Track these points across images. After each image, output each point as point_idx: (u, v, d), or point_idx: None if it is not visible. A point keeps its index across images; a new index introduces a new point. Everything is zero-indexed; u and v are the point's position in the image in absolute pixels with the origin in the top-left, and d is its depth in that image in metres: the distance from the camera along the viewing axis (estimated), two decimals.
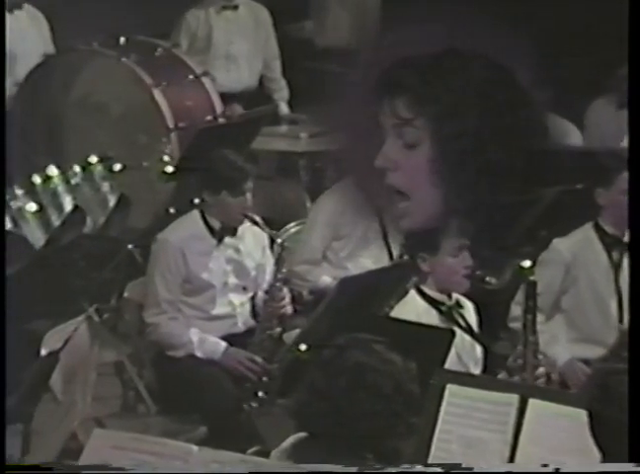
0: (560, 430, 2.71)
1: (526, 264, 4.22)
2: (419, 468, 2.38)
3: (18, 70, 6.33)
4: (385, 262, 4.91)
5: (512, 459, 2.74)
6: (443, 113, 4.18)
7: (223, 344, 4.66)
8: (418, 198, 4.47)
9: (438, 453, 2.80)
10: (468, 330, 4.23)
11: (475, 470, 2.22)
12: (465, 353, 4.18)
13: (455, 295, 4.29)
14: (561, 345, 4.56)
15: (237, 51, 6.86)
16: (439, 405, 2.87)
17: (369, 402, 2.73)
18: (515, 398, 2.78)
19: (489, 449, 2.72)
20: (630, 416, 2.12)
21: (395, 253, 4.91)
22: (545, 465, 2.20)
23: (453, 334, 3.86)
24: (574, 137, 6.43)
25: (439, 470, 2.43)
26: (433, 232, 4.19)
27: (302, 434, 2.82)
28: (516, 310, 4.47)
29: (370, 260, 4.93)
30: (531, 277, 4.14)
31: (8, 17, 6.30)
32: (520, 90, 4.32)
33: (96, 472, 2.67)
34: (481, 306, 4.35)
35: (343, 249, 4.98)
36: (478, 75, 4.17)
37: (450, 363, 3.83)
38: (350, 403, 2.74)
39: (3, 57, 5.68)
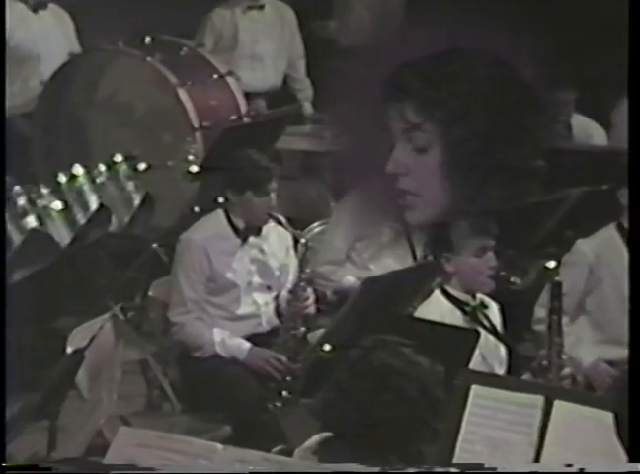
0: (586, 432, 2.70)
1: (551, 264, 4.21)
2: (440, 469, 2.38)
3: (43, 70, 6.36)
4: (409, 262, 4.90)
5: (537, 461, 2.73)
6: (451, 116, 4.13)
7: (247, 344, 4.67)
8: (427, 198, 4.43)
9: (462, 454, 2.79)
10: (492, 330, 4.22)
11: (499, 470, 2.22)
12: (490, 353, 4.17)
13: (480, 296, 4.29)
14: (586, 346, 4.55)
15: (262, 51, 6.88)
16: (463, 406, 2.87)
17: (394, 405, 2.73)
18: (540, 399, 2.78)
19: (514, 451, 2.71)
20: (630, 416, 2.11)
21: (419, 253, 4.90)
22: (569, 465, 2.20)
23: (478, 334, 3.85)
24: (599, 137, 6.41)
25: (457, 470, 2.44)
26: (457, 232, 4.19)
27: (326, 434, 2.82)
28: (540, 312, 4.45)
29: (394, 260, 4.92)
30: (556, 278, 4.13)
31: (33, 16, 6.34)
32: (526, 88, 4.25)
33: (95, 472, 2.69)
34: (505, 307, 4.35)
35: (366, 249, 4.98)
36: (483, 75, 4.10)
37: (475, 364, 3.83)
38: (374, 405, 2.73)
39: (3, 57, 5.70)
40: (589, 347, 4.55)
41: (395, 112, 4.14)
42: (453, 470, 2.41)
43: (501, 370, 4.18)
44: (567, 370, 3.93)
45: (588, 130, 6.31)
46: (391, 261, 4.93)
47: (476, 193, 4.20)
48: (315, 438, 2.85)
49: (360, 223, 4.96)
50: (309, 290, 4.71)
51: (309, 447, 2.85)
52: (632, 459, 2.15)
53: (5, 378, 3.27)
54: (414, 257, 4.92)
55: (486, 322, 4.23)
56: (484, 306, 4.28)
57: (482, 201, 4.22)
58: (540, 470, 2.54)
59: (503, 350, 4.26)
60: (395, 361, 2.76)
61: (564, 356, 3.94)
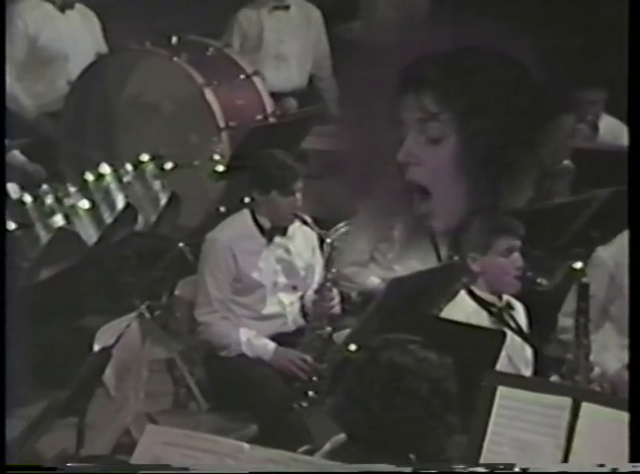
0: (613, 434, 2.68)
1: (578, 265, 4.19)
2: (470, 469, 2.38)
3: (70, 69, 6.39)
4: (433, 262, 4.89)
5: (565, 463, 2.72)
6: (471, 107, 4.10)
7: (273, 344, 4.68)
8: (440, 196, 4.37)
9: (489, 456, 2.78)
10: (519, 331, 4.21)
11: (531, 470, 2.21)
12: (516, 354, 4.17)
13: (506, 296, 4.28)
14: (612, 353, 4.51)
15: (288, 51, 6.89)
16: (490, 407, 2.86)
17: (407, 405, 2.72)
18: (567, 401, 2.76)
19: (542, 453, 2.70)
20: (630, 416, 2.08)
21: (443, 253, 4.90)
22: (602, 465, 2.18)
23: (505, 335, 3.85)
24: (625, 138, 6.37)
25: (485, 470, 2.43)
26: (483, 232, 4.18)
27: (342, 437, 2.82)
28: (563, 321, 4.42)
29: (418, 261, 4.92)
30: (583, 279, 4.12)
31: (60, 16, 6.37)
32: (537, 88, 4.23)
33: (94, 472, 2.68)
34: (531, 308, 4.33)
35: (390, 250, 4.97)
36: (499, 73, 4.09)
37: (501, 365, 3.83)
38: (386, 407, 2.72)
39: (3, 57, 5.73)
40: (614, 353, 4.51)
41: (411, 101, 4.12)
42: (481, 470, 2.41)
43: (527, 372, 4.17)
44: (597, 370, 3.90)
45: (617, 131, 6.28)
46: (415, 261, 4.92)
47: (489, 187, 4.19)
48: (330, 442, 2.85)
49: (384, 224, 4.96)
50: (335, 290, 4.72)
51: (326, 451, 2.84)
52: (632, 459, 2.13)
53: (5, 378, 3.27)
54: (438, 257, 4.92)
55: (512, 323, 4.22)
56: (510, 307, 4.27)
57: (495, 196, 4.21)
58: (572, 470, 2.53)
59: (529, 351, 4.24)
60: (403, 360, 2.74)
61: (592, 358, 3.92)
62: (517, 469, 2.53)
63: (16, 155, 5.74)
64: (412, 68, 4.15)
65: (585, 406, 2.76)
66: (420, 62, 4.13)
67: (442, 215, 4.27)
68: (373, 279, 4.91)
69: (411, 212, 4.30)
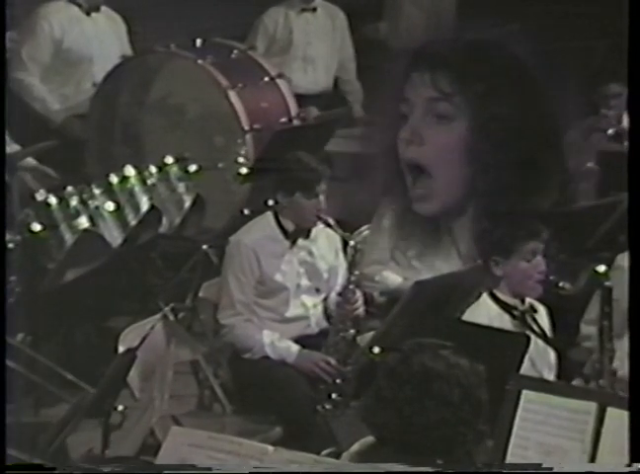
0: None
1: (601, 269, 4.17)
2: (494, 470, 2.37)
3: (95, 72, 6.41)
4: (454, 260, 4.88)
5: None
6: (489, 91, 3.99)
7: (296, 347, 4.67)
8: (442, 178, 4.27)
9: (513, 459, 2.78)
10: (542, 335, 4.19)
11: (555, 470, 2.19)
12: (539, 358, 4.15)
13: (529, 299, 4.26)
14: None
15: (315, 53, 6.90)
16: (514, 411, 2.86)
17: (437, 410, 2.71)
18: (593, 406, 2.76)
19: (568, 457, 2.69)
20: (630, 416, 2.07)
21: (462, 250, 4.87)
22: (629, 465, 2.17)
23: (529, 339, 3.84)
24: None
25: (511, 471, 2.42)
26: (507, 235, 4.17)
27: (370, 439, 2.82)
28: (585, 330, 4.39)
29: (439, 258, 4.91)
30: (606, 283, 4.10)
31: (86, 19, 6.40)
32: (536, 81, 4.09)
33: (94, 472, 2.68)
34: (555, 311, 4.31)
35: (410, 248, 4.96)
36: (513, 64, 3.97)
37: (524, 369, 3.80)
38: (416, 411, 2.72)
39: (3, 57, 5.75)
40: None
41: (423, 80, 4.02)
42: (506, 470, 2.40)
43: (550, 376, 4.15)
44: (620, 374, 3.88)
45: None
46: (436, 259, 4.91)
47: (495, 172, 4.10)
48: (358, 444, 2.85)
49: (404, 222, 4.95)
50: (358, 293, 4.71)
51: (354, 452, 2.85)
52: (632, 459, 2.12)
53: (5, 379, 3.29)
54: (459, 255, 4.90)
55: (535, 326, 4.20)
56: (533, 310, 4.25)
57: (495, 185, 4.13)
58: (599, 470, 2.52)
59: (552, 355, 4.23)
60: (435, 365, 2.74)
61: (615, 362, 3.90)
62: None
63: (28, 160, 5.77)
64: (429, 47, 4.04)
65: (610, 411, 2.75)
66: (438, 42, 4.01)
67: (440, 197, 4.20)
68: (395, 278, 4.90)
69: (404, 196, 4.20)
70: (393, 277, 4.91)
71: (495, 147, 4.16)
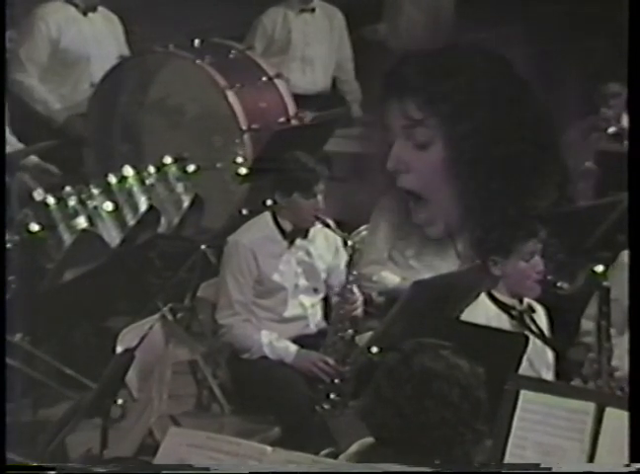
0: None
1: (599, 269, 4.17)
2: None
3: (93, 72, 6.41)
4: (453, 259, 4.88)
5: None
6: (455, 111, 4.02)
7: (294, 347, 4.67)
8: (437, 201, 4.33)
9: (512, 459, 2.78)
10: (540, 335, 4.19)
11: (554, 470, 2.20)
12: (537, 358, 4.15)
13: (527, 300, 4.26)
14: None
15: (313, 53, 6.90)
16: (512, 410, 2.86)
17: (436, 410, 2.72)
18: (591, 406, 2.76)
19: (566, 457, 2.70)
20: (630, 416, 2.07)
21: (461, 250, 4.88)
22: (627, 465, 2.17)
23: (527, 339, 3.84)
24: None
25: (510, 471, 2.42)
26: (505, 235, 4.17)
27: (369, 440, 2.82)
28: (586, 325, 4.39)
29: (437, 257, 4.90)
30: (604, 283, 4.10)
31: (83, 19, 6.40)
32: (522, 83, 4.11)
33: (94, 472, 2.70)
34: (553, 311, 4.31)
35: (408, 247, 4.96)
36: (482, 70, 3.97)
37: (523, 369, 3.81)
38: (415, 410, 2.72)
39: (3, 56, 5.75)
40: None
41: (396, 108, 4.11)
42: (504, 471, 2.41)
43: (548, 375, 4.15)
44: (619, 374, 3.88)
45: None
46: (434, 258, 4.91)
47: (481, 187, 4.13)
48: (357, 445, 2.85)
49: (401, 221, 4.95)
50: (357, 293, 4.71)
51: (352, 453, 2.85)
52: (632, 459, 2.12)
53: (5, 379, 3.29)
54: (457, 254, 4.90)
55: (533, 326, 4.21)
56: (531, 310, 4.25)
57: (487, 197, 4.16)
58: (598, 470, 2.52)
59: (550, 354, 4.23)
60: (435, 365, 2.74)
61: (614, 362, 3.90)
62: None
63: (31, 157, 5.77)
64: (396, 73, 4.11)
65: (609, 411, 2.75)
66: (401, 67, 4.06)
67: (440, 223, 4.25)
68: (393, 278, 4.90)
69: (408, 215, 4.23)
70: (391, 278, 4.91)
71: (477, 162, 4.20)
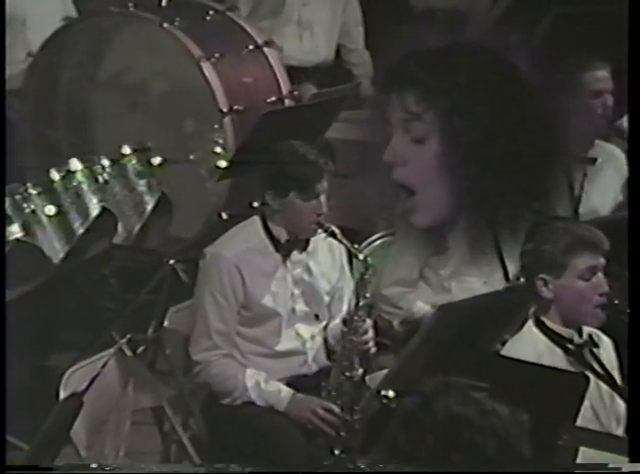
0: None
1: None
2: None
3: (30, 38, 6.42)
4: (499, 282, 4.89)
5: None
6: (453, 106, 4.82)
7: (288, 390, 4.69)
8: (425, 194, 4.82)
9: None
10: (606, 376, 4.18)
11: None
12: (602, 407, 4.14)
13: (588, 330, 4.26)
14: None
15: (312, 15, 6.93)
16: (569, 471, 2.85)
17: (465, 467, 2.72)
18: None
19: None
20: (630, 416, 2.06)
21: (512, 271, 4.89)
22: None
23: (588, 380, 3.83)
24: None
25: None
26: (558, 247, 4.17)
27: None
28: None
29: (480, 279, 4.92)
30: None
31: None
32: (524, 83, 4.86)
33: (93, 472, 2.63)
34: (622, 344, 4.30)
35: (445, 265, 4.98)
36: (485, 70, 4.84)
37: (583, 420, 3.80)
38: (440, 468, 2.72)
39: (3, 53, 5.77)
40: None
41: (396, 101, 4.80)
42: None
43: (619, 430, 4.14)
44: None
45: None
46: (476, 280, 4.92)
47: (474, 184, 4.52)
48: None
49: (437, 233, 4.97)
50: (368, 321, 4.73)
51: None
52: (632, 459, 2.12)
53: (5, 380, 3.30)
54: (506, 276, 4.91)
55: (597, 365, 4.20)
56: (594, 344, 4.25)
57: (480, 194, 4.54)
58: None
59: (621, 403, 4.21)
60: (465, 411, 2.75)
61: None
62: None
63: None
64: (396, 66, 4.83)
65: None
66: (403, 60, 4.81)
67: (424, 212, 4.87)
68: (421, 305, 4.91)
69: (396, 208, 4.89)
70: (420, 305, 4.91)
71: (475, 158, 4.82)
